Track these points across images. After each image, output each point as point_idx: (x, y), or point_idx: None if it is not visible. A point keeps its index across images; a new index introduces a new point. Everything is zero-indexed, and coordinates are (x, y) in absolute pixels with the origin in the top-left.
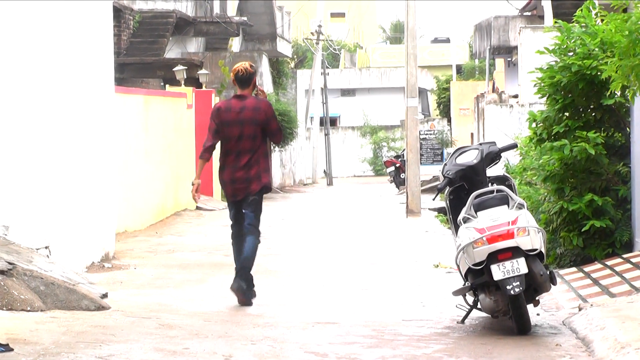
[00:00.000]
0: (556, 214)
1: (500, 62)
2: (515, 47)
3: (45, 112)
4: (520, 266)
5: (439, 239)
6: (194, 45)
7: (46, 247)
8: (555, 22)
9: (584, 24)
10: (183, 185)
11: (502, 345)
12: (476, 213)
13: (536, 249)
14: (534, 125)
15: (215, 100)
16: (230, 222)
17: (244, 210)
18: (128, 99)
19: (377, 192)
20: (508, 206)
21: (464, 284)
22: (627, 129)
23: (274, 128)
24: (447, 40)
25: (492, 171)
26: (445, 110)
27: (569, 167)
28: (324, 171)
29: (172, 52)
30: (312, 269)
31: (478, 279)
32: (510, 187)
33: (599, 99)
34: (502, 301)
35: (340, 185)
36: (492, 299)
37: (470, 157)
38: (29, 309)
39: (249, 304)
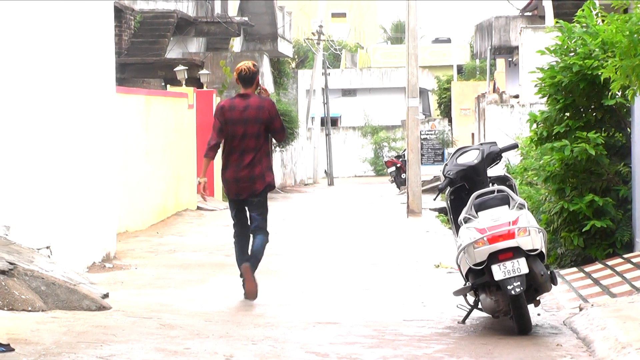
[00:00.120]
0: (557, 214)
1: (501, 62)
2: (516, 47)
3: (46, 113)
4: (521, 266)
5: (439, 239)
6: (195, 46)
7: (47, 247)
8: (556, 22)
9: (584, 24)
10: (184, 185)
11: (503, 345)
12: (477, 213)
13: (537, 249)
14: (534, 126)
15: (216, 100)
16: (232, 222)
17: (250, 214)
18: (129, 99)
19: (378, 192)
20: (509, 206)
21: (465, 284)
22: (628, 129)
23: (277, 126)
24: (448, 41)
25: (493, 171)
26: (446, 110)
27: (570, 167)
28: (325, 171)
29: (173, 52)
30: (313, 269)
31: (479, 279)
32: (511, 187)
33: (600, 99)
34: (503, 301)
35: (341, 185)
36: (493, 299)
37: (471, 157)
38: (30, 309)
39: (256, 292)
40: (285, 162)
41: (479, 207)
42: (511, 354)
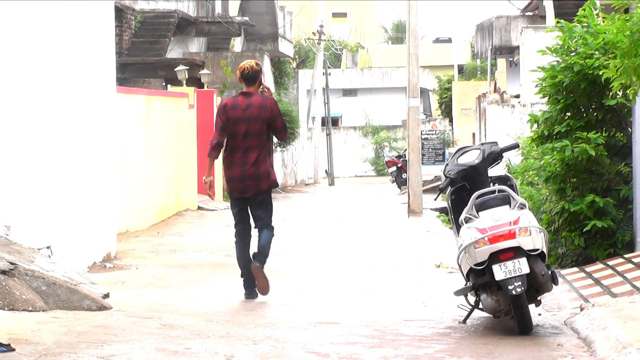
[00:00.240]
0: (558, 214)
1: (501, 62)
2: (517, 47)
3: (47, 113)
4: (521, 266)
5: (440, 239)
6: (196, 45)
7: (48, 247)
8: (557, 22)
9: (585, 24)
10: (185, 185)
11: (504, 345)
12: (478, 213)
13: (538, 249)
14: (535, 127)
15: (216, 100)
16: (234, 221)
17: (255, 213)
18: (129, 99)
19: (379, 192)
20: (510, 206)
21: (466, 284)
22: (629, 129)
23: (279, 125)
24: (449, 40)
25: (494, 171)
26: (446, 110)
27: (571, 167)
28: (326, 171)
29: (173, 52)
30: (313, 269)
31: (480, 279)
32: (512, 187)
33: (601, 99)
34: (504, 301)
35: (342, 185)
36: (494, 299)
37: (472, 157)
38: (30, 309)
39: (268, 287)
40: (286, 162)
41: (480, 207)
42: (512, 354)
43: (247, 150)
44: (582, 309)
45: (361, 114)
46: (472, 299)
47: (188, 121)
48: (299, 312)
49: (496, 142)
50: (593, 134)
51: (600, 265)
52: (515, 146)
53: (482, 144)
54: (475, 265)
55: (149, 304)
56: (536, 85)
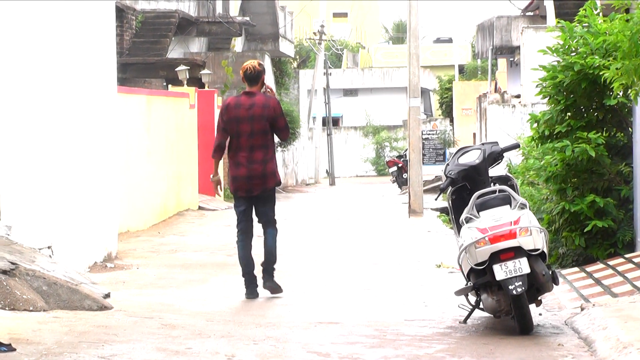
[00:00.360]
0: (558, 214)
1: (502, 62)
2: (518, 47)
3: (48, 112)
4: (522, 266)
5: (441, 239)
6: (197, 45)
7: (49, 247)
8: (558, 22)
9: (586, 24)
10: (185, 185)
11: (505, 345)
12: (478, 213)
13: (538, 249)
14: (535, 126)
15: (217, 100)
16: (237, 219)
17: (260, 209)
18: (130, 99)
19: (380, 192)
20: (510, 206)
21: (466, 284)
22: (630, 129)
23: (281, 125)
24: (450, 40)
25: (495, 171)
26: (447, 110)
27: (571, 167)
28: (327, 171)
29: (174, 52)
30: (314, 269)
31: (480, 278)
32: (513, 187)
33: (602, 99)
34: (505, 301)
35: (342, 185)
36: (495, 299)
37: (472, 157)
38: (31, 308)
39: (279, 288)
40: (287, 162)
41: (481, 207)
42: (513, 354)
43: (252, 150)
44: (582, 309)
45: (362, 114)
46: (472, 298)
47: (189, 121)
48: (299, 312)
49: (497, 142)
50: (593, 134)
51: (600, 265)
52: (515, 146)
53: (483, 144)
54: (475, 265)
55: (150, 304)
56: (537, 86)
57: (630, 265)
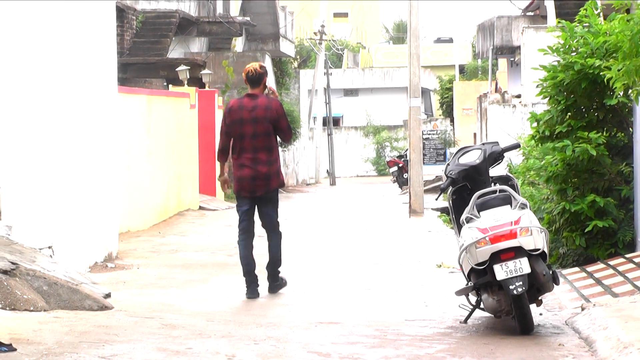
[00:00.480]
0: (559, 214)
1: (503, 62)
2: (518, 47)
3: (49, 112)
4: (523, 266)
5: (441, 238)
6: (197, 45)
7: (49, 247)
8: (558, 22)
9: (587, 24)
10: (186, 185)
11: (505, 345)
12: (479, 213)
13: (539, 249)
14: (535, 124)
15: (218, 100)
16: (239, 219)
17: (263, 209)
18: (131, 99)
19: (380, 192)
20: (511, 206)
21: (467, 284)
22: (630, 129)
23: (284, 126)
24: (450, 40)
25: (495, 171)
26: (448, 110)
27: (572, 167)
28: (327, 171)
29: (175, 52)
30: (315, 269)
31: (481, 278)
32: (513, 187)
33: (602, 99)
34: (505, 301)
35: (343, 185)
36: (495, 299)
37: (473, 157)
38: (32, 308)
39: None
40: (287, 162)
41: (481, 207)
42: (513, 354)
43: (256, 151)
44: (583, 309)
45: (362, 114)
46: (473, 298)
47: (189, 121)
48: (300, 312)
49: (497, 142)
50: (594, 133)
51: (601, 265)
52: (516, 146)
53: (484, 144)
54: (476, 265)
55: (151, 304)
56: (537, 86)
57: (631, 265)
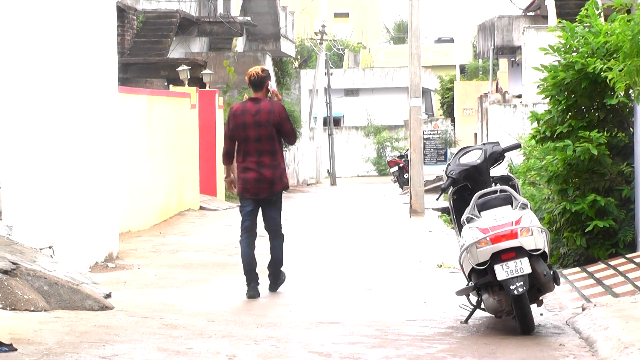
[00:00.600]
0: (559, 214)
1: (503, 62)
2: (519, 47)
3: (49, 112)
4: (523, 266)
5: (442, 238)
6: (198, 45)
7: (50, 247)
8: (559, 22)
9: (587, 24)
10: (186, 185)
11: (506, 345)
12: (480, 213)
13: (540, 249)
14: (535, 124)
15: (218, 100)
16: (242, 219)
17: (266, 211)
18: (132, 99)
19: (381, 192)
20: (512, 206)
21: (468, 284)
22: (631, 129)
23: (287, 129)
24: (451, 40)
25: (496, 171)
26: (448, 110)
27: (572, 167)
28: (328, 171)
29: (175, 52)
30: (315, 269)
31: (481, 278)
32: (514, 187)
33: (603, 99)
34: (506, 301)
35: (343, 185)
36: (496, 299)
37: (473, 157)
38: (32, 308)
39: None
40: (288, 162)
41: (482, 207)
42: (514, 354)
43: (260, 155)
44: (584, 309)
45: (363, 114)
46: (474, 299)
47: (190, 121)
48: (301, 312)
49: (498, 142)
50: (595, 132)
51: (602, 265)
52: (517, 146)
53: (484, 144)
54: (477, 265)
55: (151, 304)
56: (538, 86)
57: (632, 266)
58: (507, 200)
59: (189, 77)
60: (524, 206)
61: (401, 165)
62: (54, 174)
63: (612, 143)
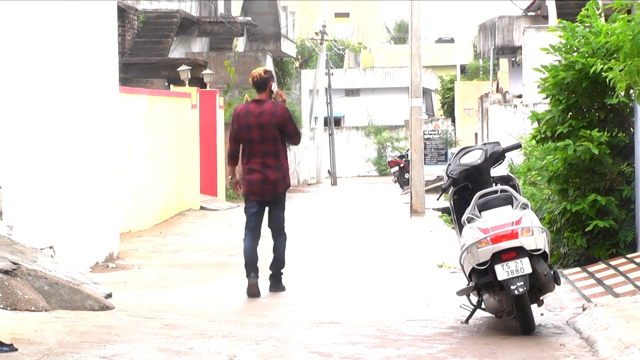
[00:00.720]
0: (560, 214)
1: (504, 62)
2: (520, 47)
3: (50, 112)
4: (524, 266)
5: (443, 239)
6: (198, 45)
7: (50, 247)
8: (560, 22)
9: (588, 24)
10: (187, 185)
11: (506, 345)
12: (480, 213)
13: (540, 249)
14: (536, 124)
15: (219, 100)
16: (247, 220)
17: (272, 211)
18: (132, 99)
19: (381, 192)
20: (512, 206)
21: (468, 284)
22: (631, 129)
23: (291, 130)
24: (451, 40)
25: (496, 171)
26: (449, 110)
27: (573, 167)
28: (328, 171)
29: (176, 52)
30: (316, 269)
31: (482, 279)
32: (515, 187)
33: (603, 99)
34: (506, 301)
35: (344, 185)
36: (496, 299)
37: (474, 157)
38: (33, 308)
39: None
40: (289, 162)
41: (483, 207)
42: (514, 354)
43: (265, 156)
44: (584, 309)
45: (364, 114)
46: (474, 299)
47: (191, 121)
48: (301, 312)
49: (498, 142)
50: (596, 132)
51: (602, 265)
52: (517, 146)
53: (485, 144)
54: (477, 265)
55: (152, 304)
56: (539, 85)
57: (632, 266)
58: (508, 201)
59: (189, 77)
60: (524, 206)
61: (402, 165)
62: (54, 174)
63: (612, 143)
